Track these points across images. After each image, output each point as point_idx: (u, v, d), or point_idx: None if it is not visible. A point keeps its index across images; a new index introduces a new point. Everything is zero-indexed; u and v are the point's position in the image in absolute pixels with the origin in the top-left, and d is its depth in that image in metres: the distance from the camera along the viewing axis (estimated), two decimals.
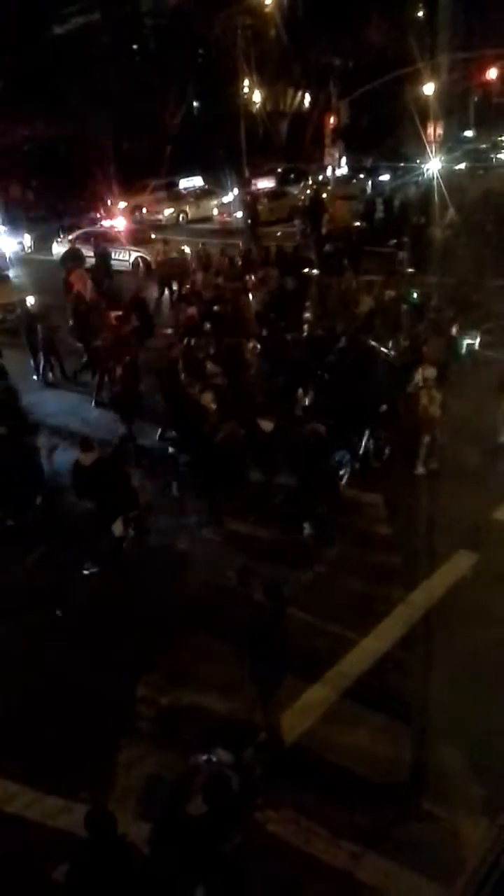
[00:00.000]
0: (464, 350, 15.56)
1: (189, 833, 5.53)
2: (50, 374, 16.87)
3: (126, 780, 7.20)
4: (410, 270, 19.24)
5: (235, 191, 34.01)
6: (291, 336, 15.21)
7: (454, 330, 15.45)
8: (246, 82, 39.49)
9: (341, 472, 11.42)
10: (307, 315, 16.77)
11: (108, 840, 5.28)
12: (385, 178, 35.45)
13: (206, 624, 8.94)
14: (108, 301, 18.11)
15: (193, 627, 8.99)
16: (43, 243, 28.55)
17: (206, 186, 37.35)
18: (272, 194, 34.41)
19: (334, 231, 25.20)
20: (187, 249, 22.81)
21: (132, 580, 9.98)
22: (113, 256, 24.05)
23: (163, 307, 20.27)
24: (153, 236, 27.78)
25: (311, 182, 35.78)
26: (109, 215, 31.62)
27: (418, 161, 32.54)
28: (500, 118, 45.69)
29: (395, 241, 23.29)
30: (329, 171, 33.11)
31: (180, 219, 34.54)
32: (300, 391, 13.76)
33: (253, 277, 19.25)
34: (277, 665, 7.11)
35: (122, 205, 34.36)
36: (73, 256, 22.72)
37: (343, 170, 36.14)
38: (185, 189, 37.13)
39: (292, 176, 37.61)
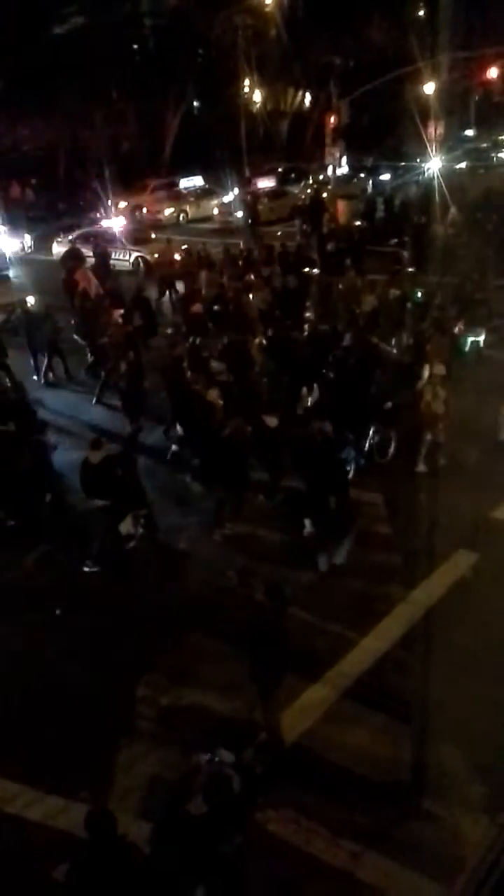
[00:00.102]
0: (468, 347, 15.57)
1: (189, 833, 5.53)
2: (50, 374, 16.89)
3: (126, 780, 7.20)
4: (411, 270, 19.23)
5: (236, 190, 34.00)
6: (296, 334, 15.25)
7: (459, 328, 15.46)
8: (246, 82, 39.58)
9: (346, 469, 11.42)
10: (308, 315, 16.83)
11: (108, 840, 5.28)
12: (386, 177, 35.43)
13: (206, 623, 8.95)
14: (111, 300, 18.14)
15: (193, 627, 8.99)
16: (43, 243, 28.56)
17: (207, 186, 37.33)
18: (272, 194, 34.39)
19: (336, 230, 25.21)
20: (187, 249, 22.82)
21: (132, 580, 9.99)
22: (113, 256, 24.06)
23: (162, 307, 20.26)
24: (153, 236, 27.78)
25: (311, 181, 35.79)
26: (109, 215, 31.61)
27: (419, 160, 32.53)
28: (501, 117, 45.66)
29: (395, 240, 23.31)
30: (329, 171, 33.11)
31: (180, 218, 34.53)
32: (304, 389, 13.82)
33: (253, 277, 19.26)
34: (278, 665, 7.11)
35: (123, 204, 34.38)
36: (73, 256, 22.70)
37: (343, 169, 36.15)
38: (185, 189, 37.12)
39: (293, 175, 37.60)
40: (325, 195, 30.37)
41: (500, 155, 40.45)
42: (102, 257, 22.76)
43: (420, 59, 33.13)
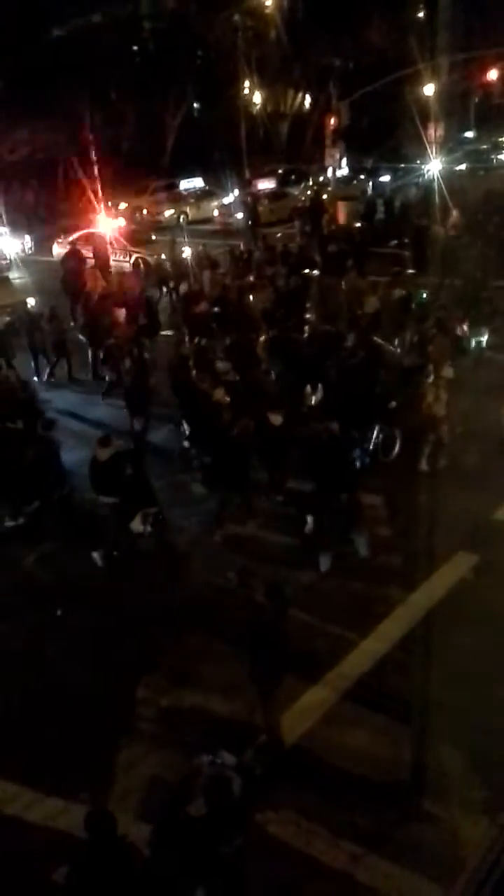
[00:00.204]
0: (473, 346, 15.58)
1: (189, 834, 5.52)
2: (53, 375, 16.97)
3: (126, 781, 7.19)
4: (411, 272, 19.25)
5: (236, 192, 34.04)
6: (297, 335, 15.31)
7: (464, 328, 15.45)
8: (246, 83, 39.61)
9: (356, 467, 11.45)
10: (307, 316, 16.85)
11: (108, 841, 5.28)
12: (385, 179, 35.48)
13: (206, 624, 8.94)
14: (114, 300, 18.20)
15: (194, 627, 8.99)
16: (43, 244, 28.56)
17: (207, 187, 37.40)
18: (272, 195, 34.43)
19: (336, 232, 25.23)
20: (187, 250, 22.85)
21: (133, 579, 9.98)
22: (113, 257, 24.06)
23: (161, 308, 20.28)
24: (153, 237, 27.79)
25: (311, 183, 35.81)
26: (110, 216, 31.63)
27: (419, 162, 32.56)
28: (501, 119, 45.77)
29: (395, 242, 23.33)
30: (329, 173, 33.08)
31: (181, 220, 34.55)
32: (308, 388, 13.83)
33: (251, 278, 19.28)
34: (277, 666, 7.11)
35: (123, 206, 34.40)
36: (73, 257, 22.72)
37: (343, 171, 36.11)
38: (185, 190, 37.17)
39: (293, 177, 37.66)
40: (324, 197, 30.38)
41: (499, 156, 40.53)
42: (102, 259, 22.77)
43: (420, 60, 33.12)
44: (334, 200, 29.96)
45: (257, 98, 43.71)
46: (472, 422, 12.91)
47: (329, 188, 32.24)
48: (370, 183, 34.91)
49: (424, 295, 16.81)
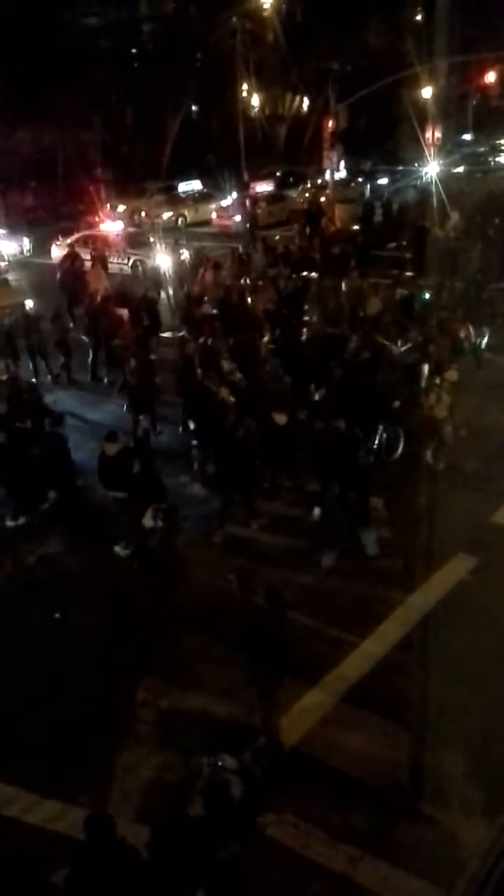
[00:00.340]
0: (476, 348, 15.60)
1: (188, 837, 5.52)
2: (52, 374, 17.02)
3: (126, 783, 7.19)
4: (409, 274, 19.28)
5: (234, 194, 34.04)
6: (300, 335, 15.39)
7: (469, 329, 15.46)
8: (244, 86, 39.66)
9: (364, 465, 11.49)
10: (306, 318, 16.88)
11: (107, 844, 5.27)
12: (384, 181, 35.52)
13: (205, 626, 8.94)
14: (116, 301, 18.23)
15: (193, 629, 8.98)
16: (42, 246, 28.57)
17: (205, 190, 37.40)
18: (271, 198, 34.45)
19: (336, 234, 25.26)
20: (186, 253, 22.87)
21: (133, 581, 9.98)
22: (112, 260, 24.07)
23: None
24: (151, 239, 27.78)
25: (309, 186, 35.85)
26: (108, 218, 31.65)
27: (417, 164, 32.61)
28: (499, 122, 45.84)
29: (393, 244, 23.37)
30: (328, 175, 33.13)
31: (179, 222, 34.57)
32: (312, 387, 13.89)
33: (248, 281, 19.32)
34: (277, 668, 7.11)
35: (121, 208, 34.40)
36: (71, 259, 22.72)
37: (342, 173, 36.18)
38: (183, 193, 37.17)
39: (291, 179, 37.65)
40: (323, 199, 30.42)
41: (497, 159, 40.60)
42: (101, 260, 22.77)
43: (418, 63, 33.17)
44: (332, 203, 30.01)
45: (255, 101, 43.75)
46: (473, 423, 12.92)
47: (327, 191, 32.30)
48: (368, 185, 34.94)
49: (427, 296, 16.83)
